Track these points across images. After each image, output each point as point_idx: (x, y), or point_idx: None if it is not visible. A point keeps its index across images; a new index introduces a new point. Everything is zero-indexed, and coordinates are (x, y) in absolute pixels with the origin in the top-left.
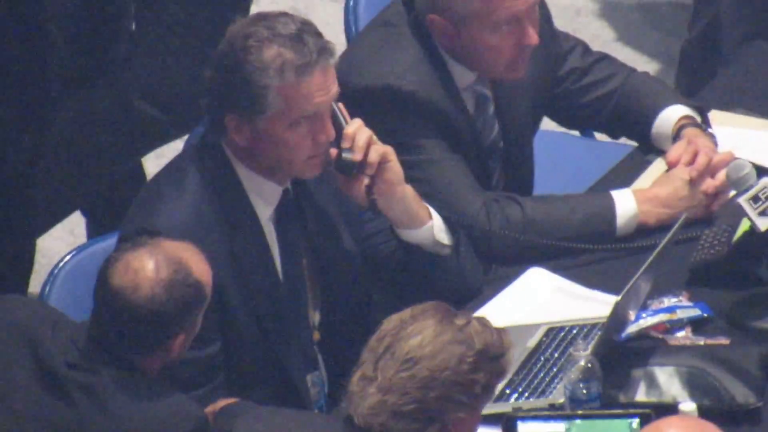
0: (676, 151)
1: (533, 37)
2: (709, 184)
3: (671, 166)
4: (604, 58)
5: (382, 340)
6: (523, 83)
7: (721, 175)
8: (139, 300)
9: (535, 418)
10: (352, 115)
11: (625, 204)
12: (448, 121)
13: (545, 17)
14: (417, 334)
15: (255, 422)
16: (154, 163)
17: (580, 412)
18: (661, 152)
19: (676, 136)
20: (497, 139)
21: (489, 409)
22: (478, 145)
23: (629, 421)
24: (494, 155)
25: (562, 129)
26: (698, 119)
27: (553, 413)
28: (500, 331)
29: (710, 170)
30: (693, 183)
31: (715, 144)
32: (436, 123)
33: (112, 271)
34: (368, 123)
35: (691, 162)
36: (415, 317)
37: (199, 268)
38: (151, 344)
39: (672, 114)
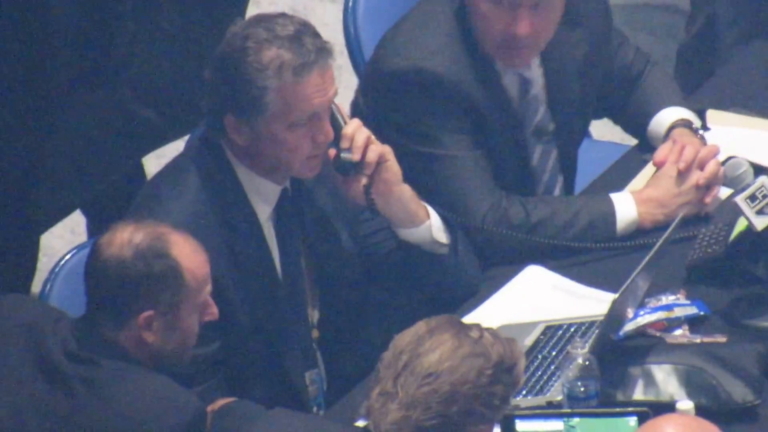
0: (662, 151)
1: (523, 27)
2: (700, 177)
3: (658, 165)
4: (638, 50)
5: (400, 356)
6: (574, 69)
7: (710, 167)
8: (106, 257)
9: (533, 416)
10: (383, 98)
11: (626, 208)
12: (478, 106)
13: (603, 6)
14: (435, 349)
15: (272, 427)
16: (154, 162)
17: (578, 410)
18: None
19: (667, 137)
20: (544, 121)
21: None
22: (518, 130)
23: (627, 419)
24: (544, 138)
25: None
26: (696, 123)
27: (551, 411)
28: (510, 341)
29: (698, 163)
30: (683, 177)
31: (704, 143)
32: (463, 109)
33: (101, 236)
34: (396, 107)
35: (679, 159)
36: (431, 332)
37: (185, 252)
38: (117, 311)
39: (668, 116)
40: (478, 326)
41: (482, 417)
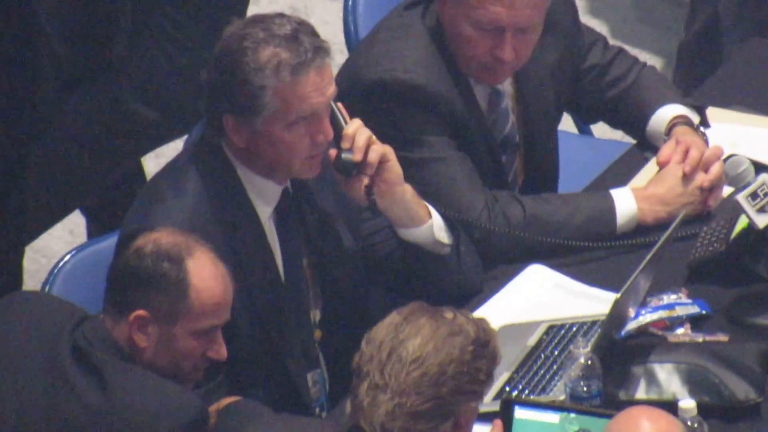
0: (666, 150)
1: (508, 52)
2: (704, 179)
3: (662, 165)
4: (620, 51)
5: (381, 348)
6: (546, 75)
7: (714, 169)
8: (131, 248)
9: (532, 405)
10: (363, 109)
11: (625, 204)
12: (456, 116)
13: (571, 9)
14: (416, 335)
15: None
16: (153, 162)
17: (576, 406)
18: (657, 150)
19: (668, 135)
20: (512, 133)
21: (490, 407)
22: (490, 141)
23: None
24: (509, 150)
25: (561, 127)
26: (694, 119)
27: (551, 404)
28: (479, 319)
29: (702, 165)
30: (687, 178)
31: (706, 141)
32: (444, 117)
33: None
34: (377, 117)
35: (683, 159)
36: (406, 319)
37: (200, 271)
38: (116, 301)
39: (666, 113)
40: (449, 308)
41: (471, 394)
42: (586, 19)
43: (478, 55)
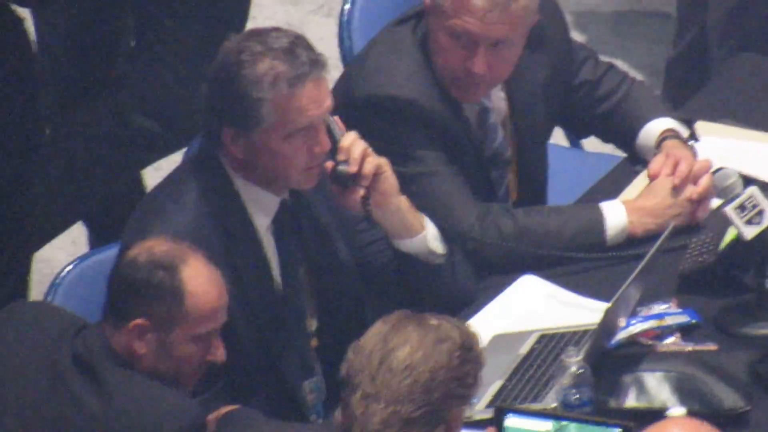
0: (656, 163)
1: (479, 65)
2: (693, 191)
3: (652, 178)
4: (610, 67)
5: (371, 357)
6: (537, 91)
7: (704, 182)
8: (125, 258)
9: (524, 413)
10: (355, 125)
11: (615, 216)
12: (447, 131)
13: (562, 25)
14: (404, 343)
15: None
16: (153, 175)
17: (567, 414)
18: (647, 163)
19: (658, 148)
20: (501, 148)
21: (483, 414)
22: (480, 155)
23: (611, 430)
24: (498, 164)
25: (552, 140)
26: (684, 132)
27: (543, 412)
28: (462, 323)
29: (692, 177)
30: (676, 191)
31: (695, 155)
32: (436, 132)
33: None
34: (370, 132)
35: (673, 172)
36: (394, 328)
37: (195, 278)
38: (116, 311)
39: (656, 127)
40: (432, 315)
41: (460, 398)
42: (573, 33)
43: (450, 65)
